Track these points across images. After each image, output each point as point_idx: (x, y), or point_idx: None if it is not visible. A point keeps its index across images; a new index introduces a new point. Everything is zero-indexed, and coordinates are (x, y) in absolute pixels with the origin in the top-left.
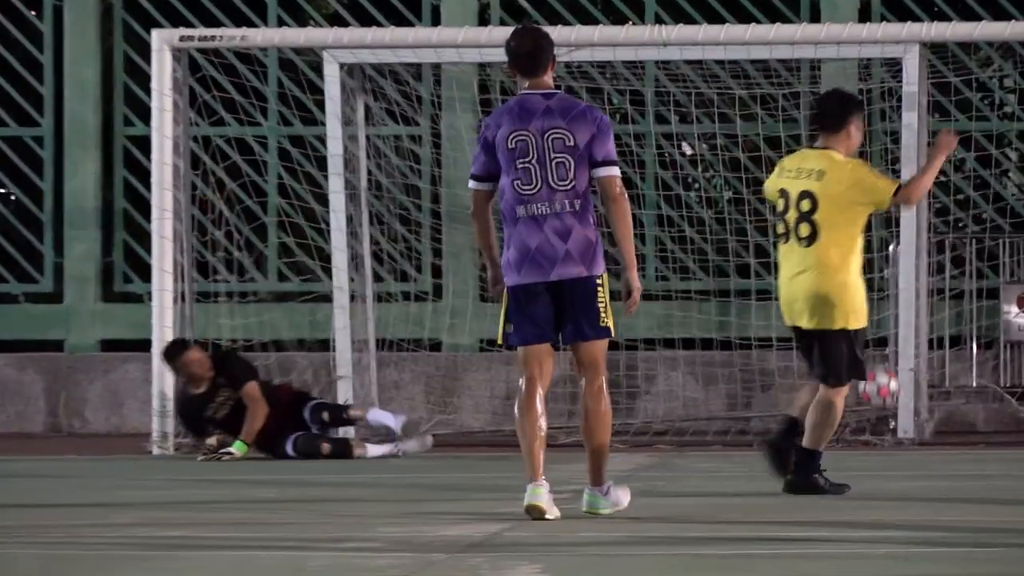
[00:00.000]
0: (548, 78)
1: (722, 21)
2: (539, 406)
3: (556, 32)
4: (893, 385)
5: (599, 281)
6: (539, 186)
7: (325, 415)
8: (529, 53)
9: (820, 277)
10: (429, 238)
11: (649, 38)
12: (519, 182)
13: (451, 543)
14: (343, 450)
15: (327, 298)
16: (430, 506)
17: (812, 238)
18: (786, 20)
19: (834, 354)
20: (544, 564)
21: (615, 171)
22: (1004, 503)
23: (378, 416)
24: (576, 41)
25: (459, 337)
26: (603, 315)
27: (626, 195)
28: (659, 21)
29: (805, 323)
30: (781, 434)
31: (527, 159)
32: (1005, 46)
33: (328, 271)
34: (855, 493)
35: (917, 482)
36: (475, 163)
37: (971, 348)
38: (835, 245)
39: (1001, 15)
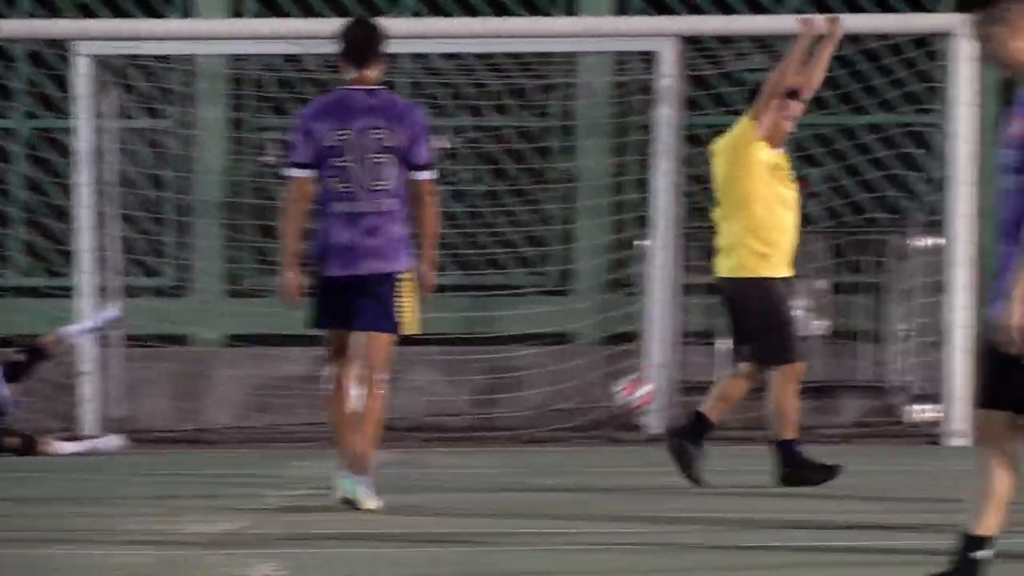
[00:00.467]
0: (375, 73)
1: (478, 14)
2: (348, 395)
3: (308, 25)
4: (645, 389)
5: (401, 277)
6: (355, 184)
7: (17, 366)
8: (361, 44)
9: None
10: (176, 232)
11: (406, 31)
12: (336, 179)
13: (194, 539)
14: (29, 446)
15: (70, 292)
16: (174, 503)
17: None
18: (543, 13)
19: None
20: (282, 561)
21: (429, 175)
22: (743, 495)
23: (75, 328)
24: (331, 34)
25: (206, 332)
26: (398, 311)
27: (437, 199)
28: (416, 14)
29: None
30: (685, 428)
31: (345, 157)
32: (761, 39)
33: (73, 265)
34: (600, 487)
35: (666, 478)
36: (296, 151)
37: (717, 344)
38: None
39: (758, 8)
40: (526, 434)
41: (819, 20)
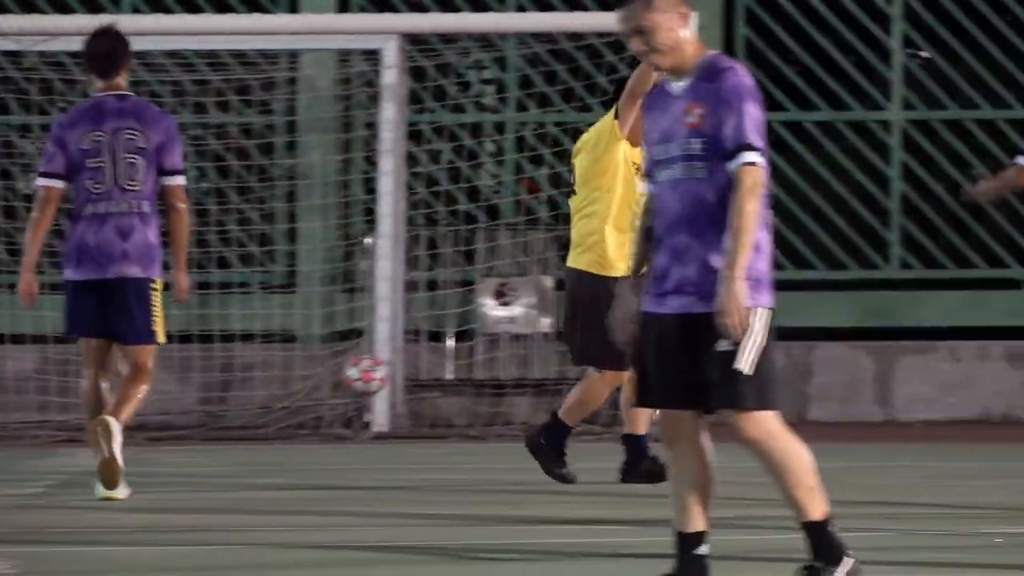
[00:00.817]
0: (122, 80)
1: (199, 11)
2: (100, 397)
3: (27, 21)
4: (379, 371)
5: (154, 285)
6: (109, 185)
7: None
8: (106, 54)
9: None
10: None
11: (127, 28)
12: (91, 181)
13: None
14: None
15: None
16: None
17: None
18: (264, 10)
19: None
20: (14, 560)
21: (181, 180)
22: (469, 492)
23: None
24: (55, 30)
25: None
26: (154, 320)
27: (187, 205)
28: (136, 11)
29: None
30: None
31: (99, 158)
32: (484, 38)
33: None
34: (326, 485)
35: (395, 475)
36: (48, 161)
37: (448, 341)
38: None
39: (480, 6)
40: (254, 432)
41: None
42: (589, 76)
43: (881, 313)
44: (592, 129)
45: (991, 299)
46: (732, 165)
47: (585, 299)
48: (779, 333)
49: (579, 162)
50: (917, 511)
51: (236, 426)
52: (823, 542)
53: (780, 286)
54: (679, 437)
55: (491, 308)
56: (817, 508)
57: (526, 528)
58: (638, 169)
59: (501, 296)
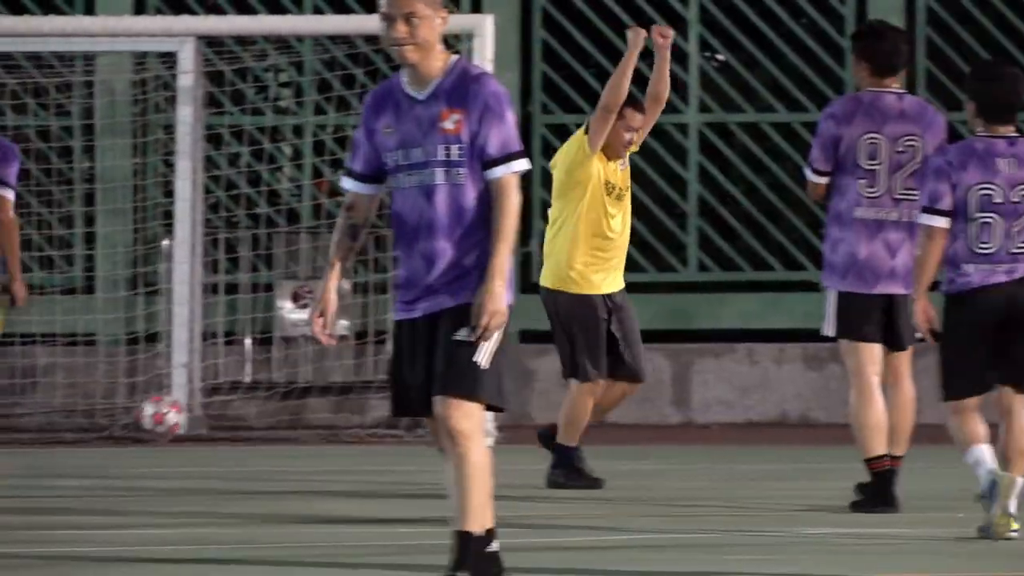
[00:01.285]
0: None
1: None
2: None
3: None
4: (173, 417)
5: None
6: None
7: None
8: None
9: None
10: None
11: None
12: None
13: None
14: None
15: None
16: None
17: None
18: (60, 12)
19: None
20: None
21: (11, 192)
22: (265, 493)
23: None
24: None
25: None
26: None
27: (13, 216)
28: None
29: None
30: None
31: None
32: (281, 40)
33: None
34: (122, 488)
35: (191, 481)
36: None
37: (246, 344)
38: None
39: (277, 9)
40: (48, 436)
41: (643, 32)
42: (387, 79)
43: (678, 315)
44: (565, 144)
45: (788, 301)
46: (497, 172)
47: (550, 314)
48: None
49: (554, 175)
50: (714, 512)
51: (33, 428)
52: (478, 557)
53: None
54: (444, 439)
55: (289, 311)
56: (483, 521)
57: (320, 528)
58: (609, 187)
59: (299, 299)
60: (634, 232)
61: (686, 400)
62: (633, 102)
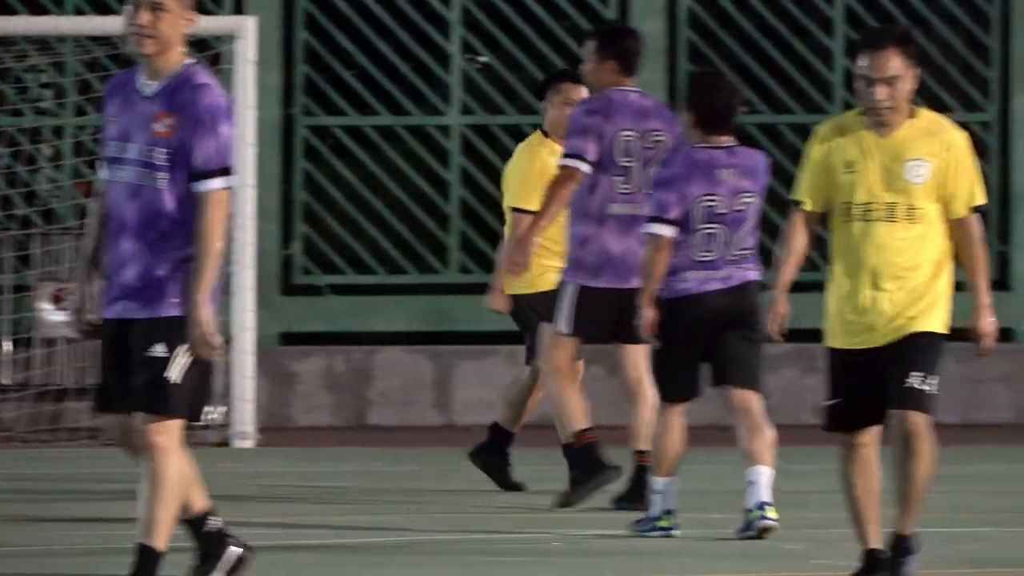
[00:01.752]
0: None
1: None
2: None
3: None
4: None
5: None
6: None
7: None
8: None
9: None
10: None
11: None
12: None
13: None
14: None
15: None
16: None
17: None
18: None
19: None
20: None
21: None
22: (31, 498)
23: None
24: None
25: None
26: None
27: None
28: None
29: None
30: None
31: None
32: (42, 41)
33: None
34: None
35: None
36: None
37: (5, 346)
38: None
39: (38, 9)
40: None
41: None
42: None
43: (440, 317)
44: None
45: None
46: (204, 186)
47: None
48: (341, 338)
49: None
50: (474, 514)
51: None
52: (145, 570)
53: (341, 290)
54: (134, 443)
55: (49, 312)
56: (165, 539)
57: (78, 531)
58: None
59: (59, 300)
60: (395, 233)
61: (447, 402)
62: (570, 76)
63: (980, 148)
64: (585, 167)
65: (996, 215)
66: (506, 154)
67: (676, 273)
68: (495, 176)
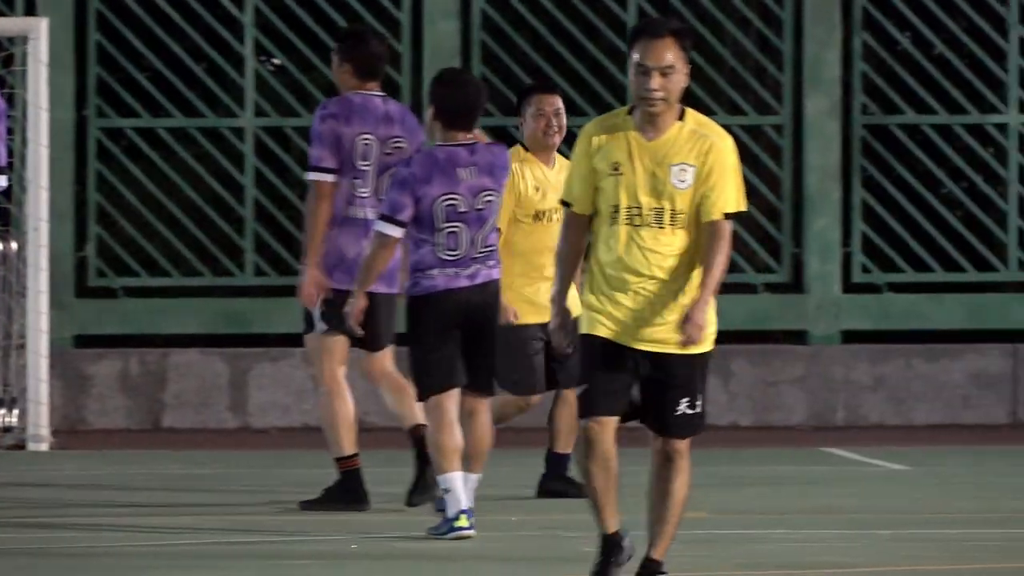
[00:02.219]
0: None
1: None
2: None
3: None
4: None
5: None
6: None
7: None
8: None
9: None
10: None
11: None
12: None
13: None
14: None
15: None
16: None
17: None
18: None
19: None
20: None
21: None
22: None
23: None
24: None
25: None
26: None
27: None
28: None
29: None
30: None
31: None
32: None
33: None
34: None
35: None
36: None
37: None
38: None
39: None
40: None
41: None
42: None
43: (236, 320)
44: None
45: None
46: None
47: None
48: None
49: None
50: (271, 517)
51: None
52: None
53: (135, 293)
54: None
55: None
56: None
57: None
58: (537, 214)
59: None
60: (190, 235)
61: (243, 404)
62: (542, 87)
63: (773, 151)
64: (329, 177)
65: (790, 218)
66: (300, 156)
67: (423, 271)
68: (289, 178)
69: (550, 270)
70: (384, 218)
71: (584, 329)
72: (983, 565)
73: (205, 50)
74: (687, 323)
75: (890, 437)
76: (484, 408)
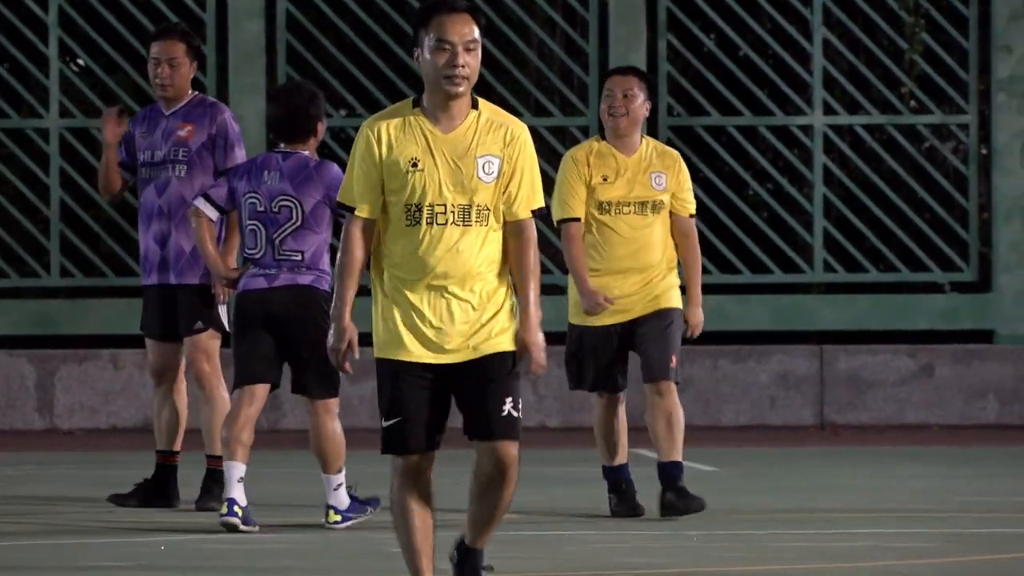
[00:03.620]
0: None
1: None
2: None
3: None
4: None
5: None
6: None
7: None
8: None
9: None
10: None
11: None
12: None
13: None
14: None
15: None
16: None
17: None
18: None
19: None
20: None
21: None
22: None
23: None
24: None
25: None
26: None
27: None
28: None
29: None
30: None
31: None
32: None
33: None
34: None
35: None
36: None
37: None
38: None
39: None
40: None
41: None
42: None
43: (43, 321)
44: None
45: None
46: None
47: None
48: None
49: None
50: (79, 519)
51: None
52: None
53: None
54: None
55: None
56: None
57: None
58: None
59: None
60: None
61: (50, 406)
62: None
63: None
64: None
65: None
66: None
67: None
68: (95, 179)
69: None
70: (203, 195)
71: (379, 353)
72: (791, 566)
73: (9, 50)
74: (527, 349)
75: (698, 438)
76: (321, 411)
